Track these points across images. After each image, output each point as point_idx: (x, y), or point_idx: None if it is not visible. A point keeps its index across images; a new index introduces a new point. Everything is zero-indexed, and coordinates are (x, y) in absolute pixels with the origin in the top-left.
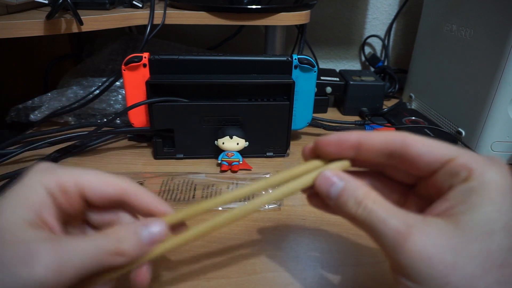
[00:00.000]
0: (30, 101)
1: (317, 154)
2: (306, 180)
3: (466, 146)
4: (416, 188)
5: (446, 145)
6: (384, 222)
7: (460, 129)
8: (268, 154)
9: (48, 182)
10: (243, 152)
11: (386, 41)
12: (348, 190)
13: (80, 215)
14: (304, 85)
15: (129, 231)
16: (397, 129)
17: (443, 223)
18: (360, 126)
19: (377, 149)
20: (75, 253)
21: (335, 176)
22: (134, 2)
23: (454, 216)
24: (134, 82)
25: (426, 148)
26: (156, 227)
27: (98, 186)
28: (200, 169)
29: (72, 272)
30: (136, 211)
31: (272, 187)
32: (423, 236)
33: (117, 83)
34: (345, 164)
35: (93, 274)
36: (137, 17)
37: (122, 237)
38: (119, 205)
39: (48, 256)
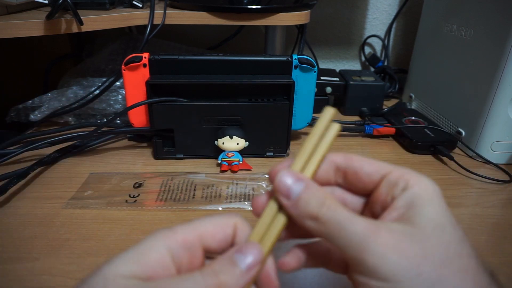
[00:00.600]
0: (30, 101)
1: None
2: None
3: (466, 146)
4: (367, 205)
5: (382, 162)
6: (351, 220)
7: (460, 129)
8: (268, 154)
9: (173, 242)
10: (243, 152)
11: (386, 41)
12: (310, 189)
13: (199, 267)
14: (304, 85)
15: (225, 261)
16: (398, 129)
17: (400, 225)
18: (360, 126)
19: (324, 167)
20: None
21: (294, 177)
22: (134, 2)
23: (406, 220)
24: (134, 82)
25: (365, 161)
26: (251, 253)
27: (219, 232)
28: (200, 169)
29: None
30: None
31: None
32: (389, 232)
33: (117, 83)
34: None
35: None
36: (137, 17)
37: (218, 270)
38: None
39: None
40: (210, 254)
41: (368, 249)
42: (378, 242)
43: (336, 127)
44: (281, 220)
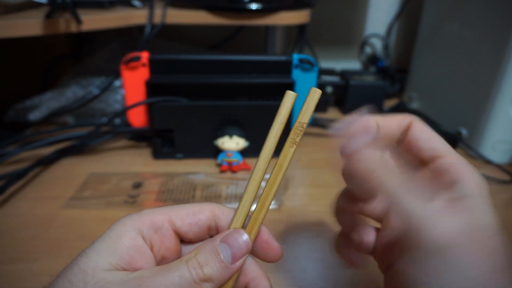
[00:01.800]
0: (29, 101)
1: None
2: None
3: (467, 146)
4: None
5: (442, 141)
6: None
7: (461, 129)
8: None
9: (141, 224)
10: (243, 152)
11: (386, 40)
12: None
13: (177, 256)
14: (304, 85)
15: (209, 252)
16: None
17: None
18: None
19: (394, 127)
20: None
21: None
22: (134, 2)
23: (460, 212)
24: (133, 82)
25: (424, 135)
26: (236, 243)
27: (190, 215)
28: (199, 169)
29: None
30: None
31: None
32: (460, 219)
33: (117, 83)
34: None
35: None
36: (137, 16)
37: (203, 261)
38: (209, 232)
39: None
40: (186, 239)
41: (438, 227)
42: (450, 222)
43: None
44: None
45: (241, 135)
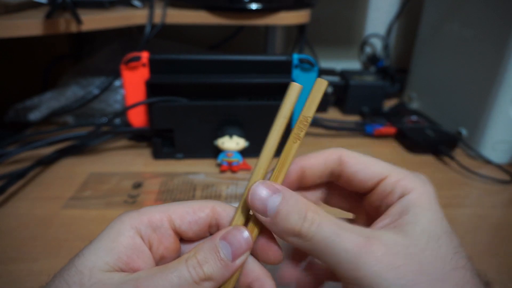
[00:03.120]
0: (29, 101)
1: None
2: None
3: (468, 146)
4: (363, 202)
5: (379, 163)
6: (339, 235)
7: (461, 129)
8: None
9: (139, 223)
10: (243, 152)
11: (386, 40)
12: (288, 201)
13: (176, 255)
14: (304, 85)
15: (209, 250)
16: (398, 129)
17: (392, 234)
18: (361, 126)
19: (319, 172)
20: None
21: (269, 188)
22: (134, 2)
23: (399, 227)
24: (133, 82)
25: (360, 165)
26: (236, 241)
27: (189, 213)
28: (199, 169)
29: None
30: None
31: None
32: (383, 247)
33: (117, 83)
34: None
35: None
36: (137, 16)
37: (203, 260)
38: (210, 230)
39: None
40: (186, 238)
41: (361, 268)
42: (371, 259)
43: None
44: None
45: (241, 135)
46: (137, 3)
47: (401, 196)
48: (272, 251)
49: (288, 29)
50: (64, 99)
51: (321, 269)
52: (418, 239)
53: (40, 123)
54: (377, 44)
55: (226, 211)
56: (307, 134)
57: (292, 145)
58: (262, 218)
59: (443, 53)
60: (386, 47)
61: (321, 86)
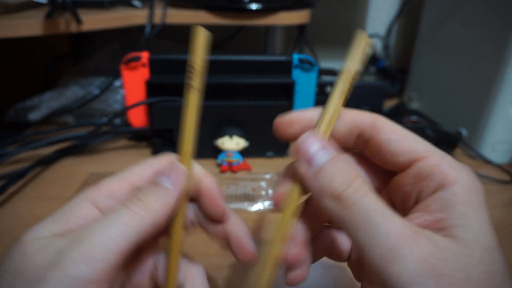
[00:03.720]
0: (29, 101)
1: (280, 135)
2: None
3: (468, 146)
4: (390, 183)
5: (420, 140)
6: (384, 216)
7: (461, 129)
8: (268, 154)
9: (96, 195)
10: (243, 152)
11: (386, 40)
12: (339, 162)
13: None
14: (304, 85)
15: (148, 186)
16: None
17: (441, 238)
18: None
19: (345, 128)
20: (99, 244)
21: (321, 142)
22: (134, 2)
23: (447, 230)
24: (133, 82)
25: (395, 135)
26: (173, 172)
27: (148, 171)
28: None
29: (107, 259)
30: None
31: None
32: (433, 246)
33: (117, 83)
34: None
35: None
36: (137, 16)
37: (142, 194)
38: None
39: (73, 255)
40: None
41: (400, 261)
42: (415, 255)
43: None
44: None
45: (241, 135)
46: (137, 3)
47: (441, 186)
48: (243, 248)
49: (288, 29)
50: (64, 99)
51: (322, 245)
52: (473, 248)
53: (40, 123)
54: (377, 44)
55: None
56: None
57: (340, 101)
58: (303, 169)
59: (443, 53)
60: (386, 47)
61: (361, 40)
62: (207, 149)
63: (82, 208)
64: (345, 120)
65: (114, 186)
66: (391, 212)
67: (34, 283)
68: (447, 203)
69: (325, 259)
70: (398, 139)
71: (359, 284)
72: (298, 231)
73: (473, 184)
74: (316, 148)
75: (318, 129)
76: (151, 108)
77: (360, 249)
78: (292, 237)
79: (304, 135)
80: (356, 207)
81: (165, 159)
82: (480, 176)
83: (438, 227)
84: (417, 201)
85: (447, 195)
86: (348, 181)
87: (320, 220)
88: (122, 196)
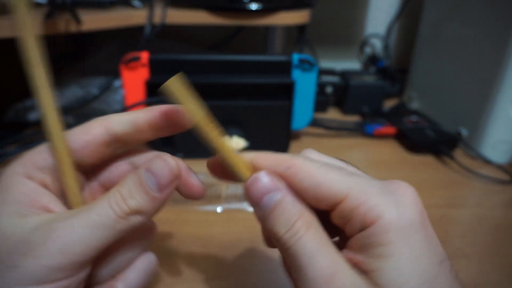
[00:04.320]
0: (29, 101)
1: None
2: (243, 170)
3: (468, 145)
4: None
5: (338, 178)
6: (313, 258)
7: (461, 129)
8: None
9: (24, 168)
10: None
11: (386, 40)
12: (283, 204)
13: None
14: (304, 85)
15: (133, 183)
16: (398, 129)
17: (359, 281)
18: (360, 126)
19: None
20: (73, 234)
21: (274, 184)
22: (133, 2)
23: (367, 274)
24: (133, 82)
25: (311, 181)
26: (161, 172)
27: (74, 139)
28: (199, 169)
29: (79, 250)
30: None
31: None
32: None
33: (117, 83)
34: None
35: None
36: (137, 16)
37: (126, 194)
38: (110, 148)
39: (51, 247)
40: (87, 165)
41: None
42: None
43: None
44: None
45: (241, 135)
46: (137, 3)
47: (362, 227)
48: (190, 185)
49: (288, 29)
50: (64, 99)
51: None
52: None
53: (40, 123)
54: (377, 44)
55: (120, 121)
56: (308, 134)
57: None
58: (255, 211)
59: (443, 53)
60: (386, 47)
61: (173, 86)
62: (207, 149)
63: (19, 183)
64: (266, 165)
65: (37, 158)
66: (324, 252)
67: (9, 267)
68: (366, 245)
69: None
70: (315, 184)
71: None
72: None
73: (399, 215)
74: (268, 188)
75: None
76: None
77: (298, 283)
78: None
79: (258, 174)
80: (292, 250)
81: (96, 125)
82: (480, 176)
83: (361, 268)
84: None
85: (366, 236)
86: (288, 225)
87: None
88: (49, 167)
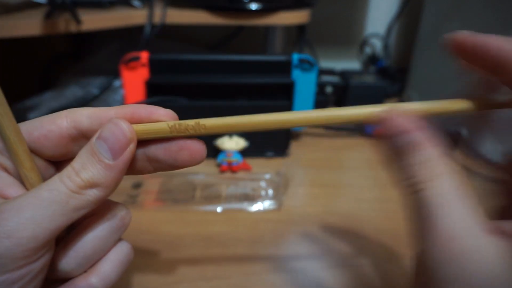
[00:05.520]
0: (29, 101)
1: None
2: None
3: (468, 145)
4: None
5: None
6: (437, 209)
7: (461, 129)
8: (267, 154)
9: None
10: (243, 152)
11: (386, 40)
12: (422, 145)
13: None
14: (304, 85)
15: (85, 154)
16: None
17: (494, 249)
18: (360, 126)
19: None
20: (20, 215)
21: (419, 123)
22: (133, 2)
23: None
24: (133, 82)
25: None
26: (113, 136)
27: (37, 129)
28: (199, 169)
29: (29, 234)
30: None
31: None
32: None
33: (116, 83)
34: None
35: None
36: (137, 16)
37: (79, 167)
38: (77, 144)
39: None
40: (48, 158)
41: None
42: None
43: None
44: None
45: (241, 135)
46: (136, 3)
47: None
48: (196, 146)
49: (288, 29)
50: (63, 99)
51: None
52: None
53: None
54: (377, 44)
55: (85, 114)
56: (308, 134)
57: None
58: (386, 137)
59: (443, 53)
60: (386, 47)
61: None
62: (207, 149)
63: None
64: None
65: None
66: (455, 204)
67: None
68: None
69: (324, 259)
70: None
71: (358, 285)
72: None
73: None
74: (406, 127)
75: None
76: None
77: None
78: None
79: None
80: (419, 195)
81: (61, 117)
82: (480, 176)
83: None
84: None
85: None
86: (420, 168)
87: None
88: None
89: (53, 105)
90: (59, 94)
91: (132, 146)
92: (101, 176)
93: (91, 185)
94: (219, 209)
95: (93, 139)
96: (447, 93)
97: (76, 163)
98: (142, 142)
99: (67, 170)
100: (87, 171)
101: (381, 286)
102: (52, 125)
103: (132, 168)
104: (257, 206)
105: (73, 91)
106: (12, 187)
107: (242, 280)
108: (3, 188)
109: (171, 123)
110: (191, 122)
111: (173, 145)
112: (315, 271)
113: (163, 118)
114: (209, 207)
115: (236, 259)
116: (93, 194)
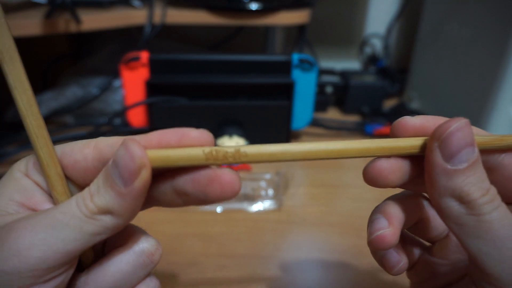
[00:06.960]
0: None
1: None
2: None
3: None
4: None
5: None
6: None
7: None
8: None
9: (26, 166)
10: None
11: (386, 40)
12: (478, 165)
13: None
14: (304, 85)
15: (101, 178)
16: None
17: None
18: (360, 126)
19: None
20: (32, 235)
21: (472, 137)
22: (133, 2)
23: None
24: (133, 82)
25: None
26: (128, 162)
27: (68, 155)
28: None
29: (39, 255)
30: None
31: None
32: None
33: (116, 83)
34: None
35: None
36: (137, 16)
37: (94, 190)
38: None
39: (5, 246)
40: (80, 184)
41: None
42: None
43: None
44: None
45: (241, 135)
46: (136, 3)
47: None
48: (227, 178)
49: (288, 29)
50: (63, 99)
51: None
52: None
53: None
54: (377, 44)
55: (109, 144)
56: (308, 133)
57: None
58: (437, 159)
59: (443, 53)
60: (386, 47)
61: None
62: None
63: (16, 179)
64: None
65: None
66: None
67: None
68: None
69: (324, 259)
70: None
71: (359, 285)
72: (396, 213)
73: None
74: (464, 144)
75: None
76: (150, 108)
77: (477, 257)
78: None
79: (453, 122)
80: (486, 217)
81: (89, 146)
82: None
83: None
84: None
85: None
86: (483, 189)
87: (415, 213)
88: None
89: (53, 105)
90: (59, 94)
91: (144, 172)
92: (114, 203)
93: (104, 212)
94: (219, 209)
95: (110, 161)
96: (447, 93)
97: (93, 186)
98: (172, 171)
99: (84, 193)
100: (100, 196)
101: (381, 286)
102: (79, 155)
103: (159, 200)
104: (257, 206)
105: (73, 91)
106: (45, 204)
107: (242, 280)
108: (37, 203)
109: (207, 149)
110: (230, 149)
111: (202, 176)
112: (315, 271)
113: (195, 142)
114: (209, 207)
115: (236, 259)
116: (108, 221)
